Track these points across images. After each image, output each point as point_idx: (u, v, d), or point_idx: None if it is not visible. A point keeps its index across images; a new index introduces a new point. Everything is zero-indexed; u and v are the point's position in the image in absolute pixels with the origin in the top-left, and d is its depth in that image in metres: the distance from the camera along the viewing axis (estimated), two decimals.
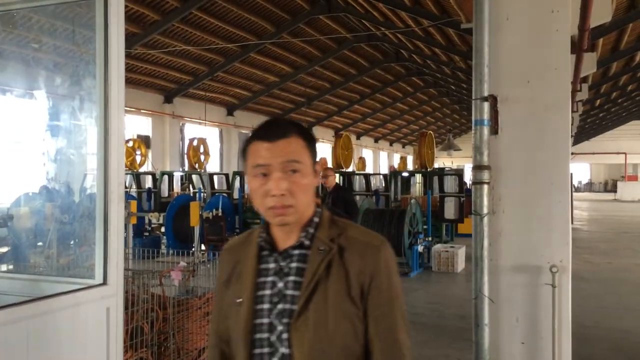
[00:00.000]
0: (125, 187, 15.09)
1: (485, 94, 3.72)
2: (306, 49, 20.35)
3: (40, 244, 4.53)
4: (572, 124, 17.63)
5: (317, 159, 1.55)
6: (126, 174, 15.37)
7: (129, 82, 17.94)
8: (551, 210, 3.57)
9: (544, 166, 3.61)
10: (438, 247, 10.96)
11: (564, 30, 3.63)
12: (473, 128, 3.85)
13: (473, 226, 3.75)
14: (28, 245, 4.54)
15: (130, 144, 15.89)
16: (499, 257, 3.69)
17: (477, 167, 3.74)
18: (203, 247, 11.44)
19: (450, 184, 12.90)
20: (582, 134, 35.59)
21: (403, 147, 44.95)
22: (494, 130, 3.78)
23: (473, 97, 3.83)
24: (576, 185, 45.12)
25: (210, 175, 15.57)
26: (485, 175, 3.72)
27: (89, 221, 3.01)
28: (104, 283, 2.76)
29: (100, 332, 2.73)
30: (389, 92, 28.90)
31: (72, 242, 3.93)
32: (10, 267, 4.23)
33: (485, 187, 3.72)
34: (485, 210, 3.69)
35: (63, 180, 4.41)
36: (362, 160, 25.71)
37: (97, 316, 2.71)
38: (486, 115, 3.75)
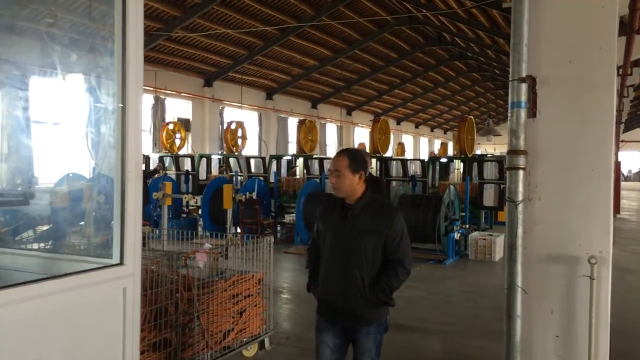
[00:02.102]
0: (164, 169, 15.24)
1: (524, 74, 3.53)
2: (346, 32, 20.08)
3: (72, 223, 4.58)
4: (622, 110, 16.85)
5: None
6: (165, 156, 15.59)
7: (170, 65, 18.13)
8: (591, 198, 3.36)
9: (584, 152, 3.40)
10: (475, 234, 10.68)
11: (612, 6, 3.38)
12: (509, 110, 3.66)
13: (507, 213, 3.58)
14: (61, 223, 4.61)
15: (171, 126, 16.09)
16: (534, 247, 3.51)
17: (513, 152, 3.56)
18: (238, 230, 11.50)
19: (490, 171, 12.53)
20: (634, 120, 34.10)
21: (444, 132, 44.16)
22: (532, 113, 3.58)
23: (510, 78, 3.63)
24: (625, 174, 43.37)
25: (247, 159, 15.61)
26: (521, 161, 3.53)
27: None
28: (121, 263, 2.73)
29: (116, 312, 2.71)
30: (430, 76, 28.32)
31: (103, 224, 3.95)
32: (41, 245, 4.30)
33: (521, 172, 3.53)
34: (520, 197, 3.51)
35: (100, 161, 4.44)
36: (401, 146, 25.37)
37: (112, 296, 2.69)
38: (524, 97, 3.56)
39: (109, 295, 2.68)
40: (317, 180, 13.05)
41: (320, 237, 3.30)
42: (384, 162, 13.63)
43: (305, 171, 14.93)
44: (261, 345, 5.18)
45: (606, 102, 3.38)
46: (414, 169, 15.11)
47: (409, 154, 30.11)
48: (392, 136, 14.90)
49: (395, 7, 18.76)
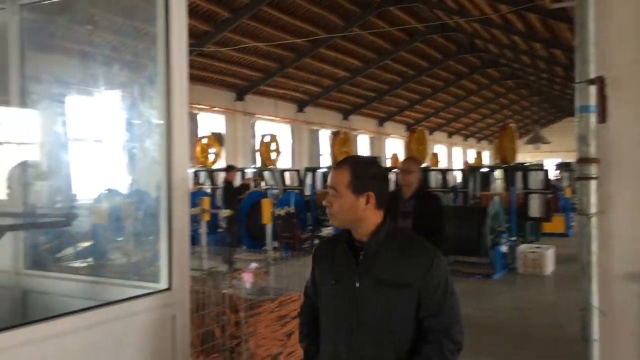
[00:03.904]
0: (200, 184, 15.22)
1: (592, 75, 3.23)
2: (376, 42, 19.89)
3: (112, 241, 4.45)
4: None
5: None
6: (200, 170, 15.59)
7: (202, 80, 18.21)
8: None
9: None
10: (524, 247, 10.24)
11: None
12: (576, 115, 3.36)
13: (579, 228, 3.28)
14: (101, 241, 4.48)
15: (205, 141, 16.10)
16: (611, 263, 3.19)
17: (583, 160, 3.26)
18: (276, 244, 11.33)
19: (534, 180, 12.08)
20: None
21: (478, 141, 43.42)
22: (602, 118, 3.28)
23: (576, 80, 3.34)
24: None
25: (282, 172, 15.49)
26: (593, 169, 3.23)
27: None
28: (169, 288, 2.55)
29: (165, 340, 2.52)
30: (463, 84, 27.88)
31: (143, 241, 3.81)
32: (81, 265, 4.17)
33: (593, 182, 3.23)
34: (592, 210, 3.21)
35: (140, 178, 4.32)
36: (434, 157, 24.96)
37: (161, 323, 2.51)
38: (592, 101, 3.26)
39: (157, 322, 2.49)
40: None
41: (318, 294, 2.16)
42: (422, 173, 13.30)
43: None
44: None
45: None
46: (453, 179, 14.74)
47: (442, 165, 29.64)
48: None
49: (426, 16, 18.50)
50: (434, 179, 13.85)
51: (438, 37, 20.60)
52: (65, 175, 3.71)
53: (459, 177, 15.59)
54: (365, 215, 2.03)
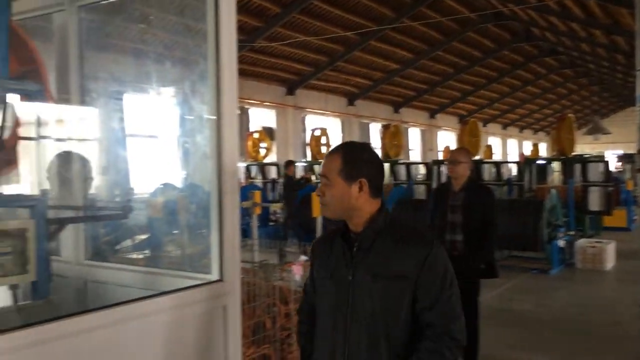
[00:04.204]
0: (251, 178, 15.47)
1: None
2: (428, 33, 19.59)
3: (168, 234, 4.58)
4: None
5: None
6: (252, 165, 15.82)
7: (253, 75, 18.44)
8: None
9: None
10: (583, 241, 9.86)
11: None
12: (638, 104, 3.22)
13: None
14: (157, 234, 4.62)
15: (256, 135, 16.32)
16: None
17: None
18: None
19: (594, 172, 11.60)
20: None
21: (534, 133, 42.12)
22: None
23: (637, 68, 3.20)
24: None
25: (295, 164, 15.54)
26: None
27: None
28: (220, 280, 2.60)
29: (216, 330, 2.58)
30: (518, 74, 27.09)
31: (196, 235, 3.91)
32: (138, 257, 4.31)
33: None
34: None
35: (193, 172, 4.42)
36: (488, 149, 24.38)
37: (213, 313, 2.56)
38: None
39: (209, 312, 2.55)
40: (404, 186, 12.69)
41: (316, 290, 2.07)
42: (475, 166, 13.04)
43: (392, 177, 14.63)
44: None
45: None
46: (507, 172, 14.36)
47: (496, 157, 28.91)
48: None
49: (479, 4, 18.04)
50: (488, 172, 13.53)
51: (492, 26, 20.07)
52: (122, 170, 3.84)
53: (514, 169, 15.17)
54: (359, 204, 1.91)
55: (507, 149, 38.50)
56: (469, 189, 4.50)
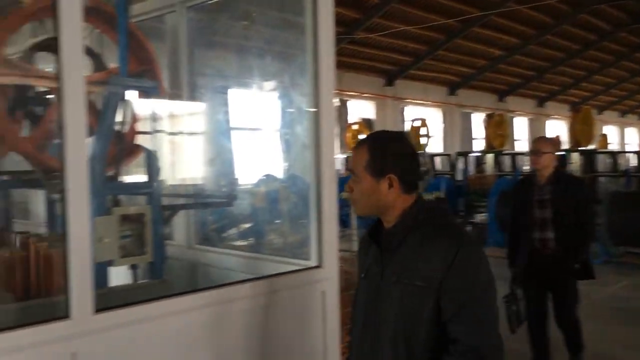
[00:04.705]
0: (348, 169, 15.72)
1: None
2: (536, 16, 18.55)
3: (270, 222, 4.78)
4: None
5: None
6: (351, 156, 15.95)
7: (352, 67, 18.52)
8: None
9: None
10: None
11: None
12: None
13: None
14: (260, 223, 4.83)
15: (356, 127, 16.41)
16: None
17: None
18: None
19: None
20: None
21: None
22: None
23: None
24: None
25: (432, 156, 15.27)
26: None
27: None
28: (319, 266, 2.69)
29: (315, 314, 2.68)
30: (638, 57, 24.92)
31: (296, 223, 4.05)
32: (242, 243, 4.54)
33: None
34: None
35: (294, 163, 4.58)
36: (603, 138, 22.72)
37: (312, 298, 2.66)
38: None
39: (308, 296, 2.65)
40: (510, 177, 12.20)
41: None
42: (588, 156, 12.23)
43: (496, 168, 14.14)
44: None
45: None
46: (624, 162, 13.35)
47: (613, 146, 26.87)
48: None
49: None
50: (602, 163, 12.65)
51: (607, 7, 18.63)
52: (227, 162, 4.04)
53: (633, 160, 14.08)
54: (389, 201, 1.72)
55: (625, 138, 35.64)
56: (556, 181, 4.10)
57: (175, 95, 3.58)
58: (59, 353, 1.83)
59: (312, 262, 2.73)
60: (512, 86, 24.99)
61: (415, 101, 21.42)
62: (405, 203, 1.73)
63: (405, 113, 21.20)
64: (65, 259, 1.85)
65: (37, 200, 4.22)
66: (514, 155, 14.20)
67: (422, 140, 15.23)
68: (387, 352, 1.70)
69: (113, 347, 1.95)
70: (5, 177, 3.42)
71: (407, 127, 16.70)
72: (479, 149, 17.84)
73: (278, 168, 5.63)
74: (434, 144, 19.86)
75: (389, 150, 1.72)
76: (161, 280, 2.72)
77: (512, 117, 25.95)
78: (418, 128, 15.22)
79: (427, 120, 15.80)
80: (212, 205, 3.64)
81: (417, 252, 1.66)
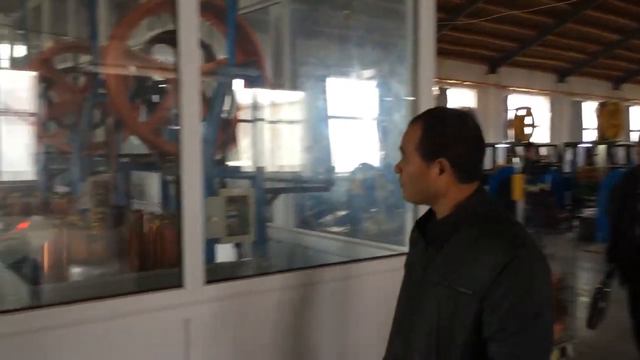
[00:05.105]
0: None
1: None
2: None
3: (365, 210, 4.86)
4: None
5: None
6: None
7: (453, 54, 18.04)
8: None
9: None
10: None
11: None
12: None
13: None
14: (356, 209, 4.93)
15: None
16: None
17: None
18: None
19: None
20: None
21: None
22: None
23: None
24: None
25: (537, 147, 14.60)
26: None
27: None
28: None
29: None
30: None
31: (392, 212, 4.09)
32: (338, 229, 4.65)
33: None
34: None
35: (390, 152, 4.62)
36: None
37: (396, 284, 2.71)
38: None
39: (393, 283, 2.71)
40: (623, 170, 11.40)
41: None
42: None
43: (608, 160, 13.27)
44: (562, 352, 4.71)
45: None
46: None
47: None
48: None
49: None
50: None
51: None
52: (325, 149, 4.16)
53: None
54: (440, 190, 1.48)
55: None
56: None
57: (277, 84, 3.74)
58: (174, 318, 2.03)
59: (406, 249, 2.76)
60: (628, 73, 23.14)
61: (520, 89, 20.49)
62: (461, 194, 1.49)
63: (508, 101, 20.37)
64: (180, 234, 2.03)
65: (152, 182, 4.58)
66: (629, 146, 13.23)
67: (527, 130, 14.62)
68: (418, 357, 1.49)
69: (220, 316, 2.13)
70: (125, 160, 3.76)
71: (510, 116, 16.06)
72: (589, 140, 16.82)
73: (375, 156, 5.68)
74: (540, 134, 18.95)
75: (444, 131, 1.49)
76: (262, 259, 2.88)
77: (628, 106, 24.08)
78: (523, 117, 14.61)
79: (532, 109, 15.13)
80: (310, 190, 3.77)
81: (465, 252, 1.41)
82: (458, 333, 1.38)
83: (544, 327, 1.34)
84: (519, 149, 15.13)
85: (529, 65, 20.08)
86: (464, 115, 1.54)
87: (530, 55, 19.49)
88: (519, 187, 8.74)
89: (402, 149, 1.55)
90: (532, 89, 20.58)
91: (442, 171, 1.47)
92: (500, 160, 16.29)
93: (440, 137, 1.48)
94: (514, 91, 20.51)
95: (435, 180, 1.48)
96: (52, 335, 1.82)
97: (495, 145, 16.20)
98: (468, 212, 1.46)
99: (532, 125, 14.74)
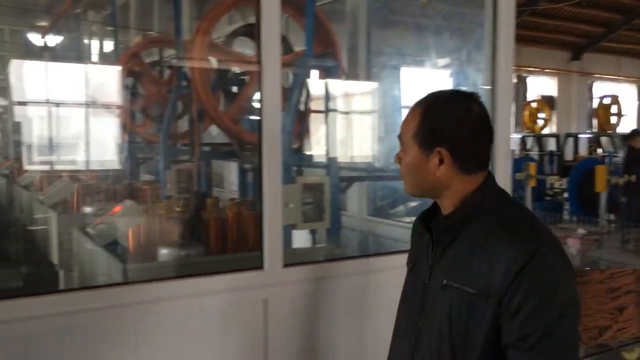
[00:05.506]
0: (527, 150, 14.86)
1: None
2: None
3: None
4: None
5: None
6: (528, 136, 15.08)
7: (533, 41, 17.33)
8: None
9: None
10: None
11: None
12: None
13: None
14: (427, 202, 4.92)
15: (534, 105, 15.46)
16: None
17: None
18: (612, 216, 10.28)
19: None
20: None
21: None
22: None
23: None
24: None
25: (623, 137, 13.81)
26: None
27: None
28: None
29: None
30: None
31: None
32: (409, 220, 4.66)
33: None
34: None
35: None
36: None
37: None
38: None
39: None
40: None
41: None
42: None
43: None
44: None
45: None
46: None
47: None
48: None
49: None
50: None
51: None
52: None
53: None
54: (442, 182, 1.32)
55: None
56: None
57: (352, 74, 3.78)
58: (254, 298, 2.13)
59: None
60: None
61: (606, 76, 19.39)
62: (466, 186, 1.32)
63: (593, 89, 19.35)
64: (262, 220, 2.13)
65: (230, 169, 4.76)
66: None
67: (613, 120, 13.88)
68: None
69: (297, 297, 2.23)
70: (207, 149, 3.94)
71: (595, 104, 15.29)
72: None
73: None
74: (628, 123, 17.90)
75: (442, 117, 1.31)
76: (336, 246, 2.95)
77: None
78: (608, 106, 13.88)
79: (619, 98, 14.33)
80: (383, 179, 3.81)
81: (476, 250, 1.26)
82: (474, 339, 1.25)
83: (570, 327, 1.21)
84: (604, 139, 14.40)
85: (616, 51, 18.95)
86: (467, 98, 1.34)
87: (618, 40, 18.37)
88: (602, 178, 8.35)
89: (400, 137, 1.38)
90: (619, 76, 19.43)
91: (441, 161, 1.30)
92: (582, 151, 15.58)
93: (438, 123, 1.30)
94: (599, 78, 19.45)
95: (435, 171, 1.31)
96: (141, 310, 1.97)
97: (579, 135, 15.50)
98: (475, 207, 1.31)
99: (619, 115, 13.96)
